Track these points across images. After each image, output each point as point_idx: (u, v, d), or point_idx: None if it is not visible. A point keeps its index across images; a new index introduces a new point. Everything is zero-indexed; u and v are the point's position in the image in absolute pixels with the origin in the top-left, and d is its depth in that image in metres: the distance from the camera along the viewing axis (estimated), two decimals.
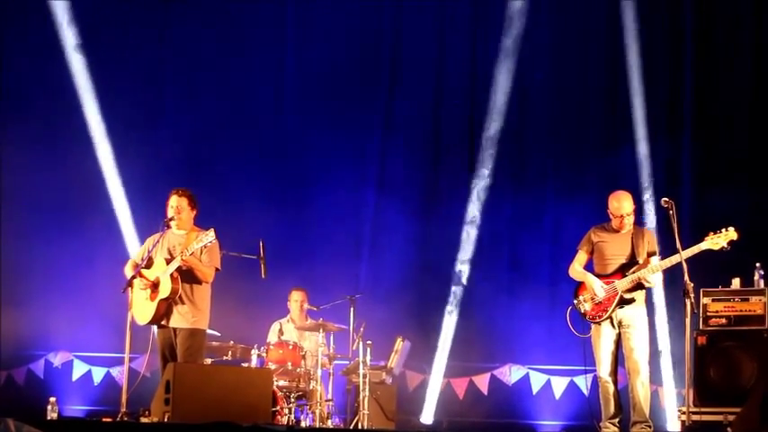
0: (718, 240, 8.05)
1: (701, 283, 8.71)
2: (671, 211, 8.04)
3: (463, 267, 12.19)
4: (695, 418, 8.37)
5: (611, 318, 8.26)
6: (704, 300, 9.02)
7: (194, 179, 11.21)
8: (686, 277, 7.96)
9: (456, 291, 12.17)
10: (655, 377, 10.32)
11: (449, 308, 12.10)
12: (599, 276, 8.37)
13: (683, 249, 8.00)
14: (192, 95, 12.68)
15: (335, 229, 12.21)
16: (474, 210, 12.31)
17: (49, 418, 8.67)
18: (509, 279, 12.10)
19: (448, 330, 11.99)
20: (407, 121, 12.55)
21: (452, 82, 12.58)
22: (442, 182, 12.46)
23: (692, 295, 7.98)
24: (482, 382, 11.91)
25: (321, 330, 9.85)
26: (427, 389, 11.88)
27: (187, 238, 8.42)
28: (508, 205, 12.30)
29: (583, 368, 10.67)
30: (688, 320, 8.01)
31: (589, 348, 8.38)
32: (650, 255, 8.31)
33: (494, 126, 12.37)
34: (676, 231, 7.99)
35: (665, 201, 8.11)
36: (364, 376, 9.92)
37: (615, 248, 8.38)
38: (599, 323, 8.30)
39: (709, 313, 9.00)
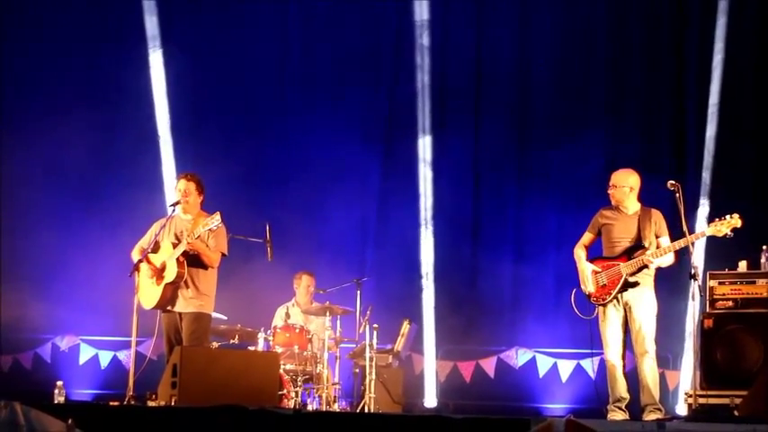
0: (721, 227, 8.02)
1: (707, 265, 8.70)
2: (677, 194, 8.02)
3: (469, 248, 12.20)
4: (702, 401, 8.35)
5: (616, 299, 8.23)
6: (711, 282, 8.99)
7: (200, 162, 11.19)
8: (693, 260, 7.95)
9: (462, 272, 12.19)
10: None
11: (455, 289, 12.11)
12: (606, 259, 8.33)
13: (689, 233, 7.99)
14: (196, 74, 12.65)
15: (342, 212, 12.18)
16: (479, 190, 12.31)
17: (56, 401, 8.68)
18: (515, 259, 12.10)
19: (454, 312, 11.98)
20: (411, 101, 12.50)
21: (456, 60, 12.58)
22: (446, 162, 12.41)
23: (698, 278, 7.99)
24: (489, 365, 11.91)
25: (327, 314, 9.84)
26: (434, 372, 11.89)
27: (194, 223, 8.43)
28: (513, 186, 12.28)
29: (589, 351, 10.68)
30: (695, 303, 8.02)
31: (596, 331, 8.35)
32: (657, 236, 8.25)
33: (499, 106, 12.40)
34: (683, 214, 7.98)
35: (672, 183, 8.08)
36: (371, 360, 9.91)
37: (621, 230, 8.32)
38: (604, 305, 8.27)
39: (715, 296, 8.96)
